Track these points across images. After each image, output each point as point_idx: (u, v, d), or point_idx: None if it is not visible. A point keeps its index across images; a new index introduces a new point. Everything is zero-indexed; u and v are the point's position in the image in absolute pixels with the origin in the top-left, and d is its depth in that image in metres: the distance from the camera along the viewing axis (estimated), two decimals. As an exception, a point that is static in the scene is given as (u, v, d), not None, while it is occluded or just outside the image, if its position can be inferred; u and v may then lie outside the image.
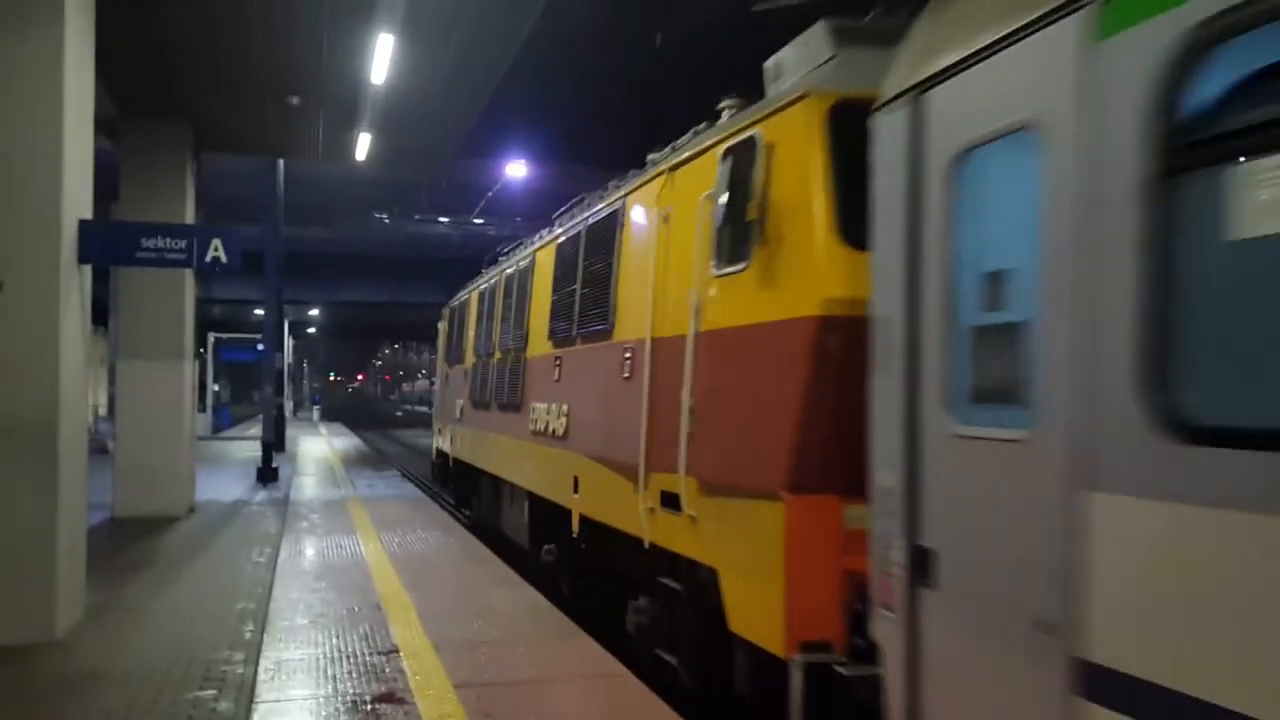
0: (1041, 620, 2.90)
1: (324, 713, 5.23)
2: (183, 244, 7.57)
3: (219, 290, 41.41)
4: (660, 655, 6.31)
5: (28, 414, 6.58)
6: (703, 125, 6.40)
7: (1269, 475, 2.19)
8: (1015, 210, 3.12)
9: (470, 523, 14.42)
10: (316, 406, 72.52)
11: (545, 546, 9.55)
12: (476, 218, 31.78)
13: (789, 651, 4.43)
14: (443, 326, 17.18)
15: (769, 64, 5.65)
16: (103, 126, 12.19)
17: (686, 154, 6.23)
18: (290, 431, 33.28)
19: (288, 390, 37.44)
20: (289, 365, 39.52)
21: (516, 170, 29.68)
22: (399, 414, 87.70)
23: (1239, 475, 2.27)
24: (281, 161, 22.43)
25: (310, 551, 10.35)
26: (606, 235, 7.67)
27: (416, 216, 34.37)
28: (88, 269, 7.38)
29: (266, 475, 17.73)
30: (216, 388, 41.91)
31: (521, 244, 11.54)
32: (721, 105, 6.16)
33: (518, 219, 31.76)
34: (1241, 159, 2.36)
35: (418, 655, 6.31)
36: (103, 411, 35.42)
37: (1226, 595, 2.31)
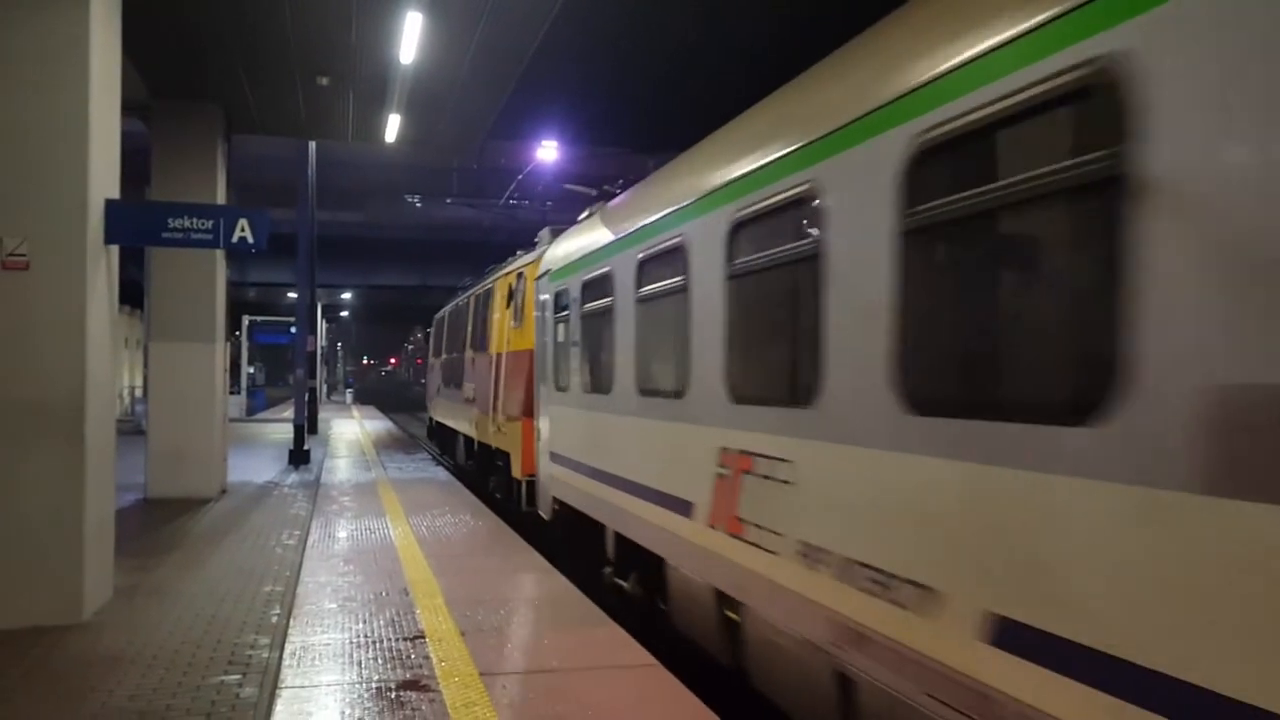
0: (556, 448, 10.35)
1: (348, 699, 5.16)
2: (209, 224, 7.50)
3: (254, 273, 41.76)
4: (497, 496, 14.34)
5: (55, 395, 6.56)
6: (521, 250, 14.70)
7: (571, 400, 9.66)
8: (546, 325, 11.02)
9: (450, 467, 20.68)
10: (350, 389, 73.17)
11: (469, 462, 18.27)
12: (510, 199, 31.61)
13: (523, 477, 12.32)
14: (431, 330, 26.96)
15: (539, 234, 13.27)
16: (134, 109, 12.23)
17: (510, 269, 14.37)
18: (324, 414, 33.52)
19: (322, 373, 37.68)
20: (322, 348, 39.76)
21: (547, 154, 29.49)
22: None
23: (569, 399, 9.75)
24: (313, 145, 22.40)
25: (339, 534, 10.34)
26: (489, 297, 15.63)
27: (448, 200, 34.31)
28: (115, 250, 7.33)
29: (298, 457, 17.82)
30: (251, 370, 42.28)
31: (481, 280, 18.79)
32: (537, 238, 13.49)
33: (548, 204, 31.58)
34: (560, 322, 10.25)
35: (444, 642, 6.24)
36: (140, 393, 35.86)
37: (574, 430, 9.58)
